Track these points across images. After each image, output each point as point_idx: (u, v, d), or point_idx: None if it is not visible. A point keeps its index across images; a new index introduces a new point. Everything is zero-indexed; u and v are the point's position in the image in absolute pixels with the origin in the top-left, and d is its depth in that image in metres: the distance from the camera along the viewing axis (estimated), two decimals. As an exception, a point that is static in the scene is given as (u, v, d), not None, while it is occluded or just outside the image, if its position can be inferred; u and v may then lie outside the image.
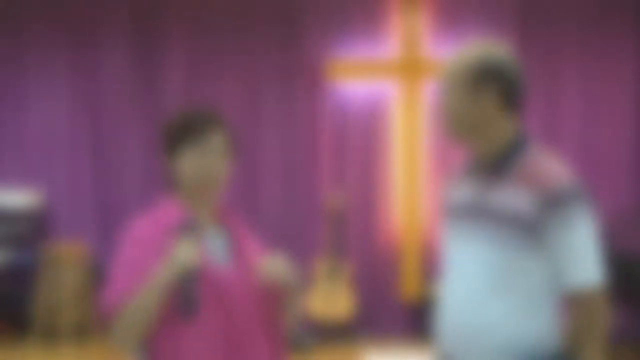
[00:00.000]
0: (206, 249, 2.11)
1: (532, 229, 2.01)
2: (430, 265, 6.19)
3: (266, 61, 6.40)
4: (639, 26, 6.33)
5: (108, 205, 6.42)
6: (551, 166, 2.06)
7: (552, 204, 1.99)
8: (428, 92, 6.23)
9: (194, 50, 6.41)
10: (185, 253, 2.00)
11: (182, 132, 2.13)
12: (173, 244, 2.03)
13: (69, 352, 5.87)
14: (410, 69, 6.28)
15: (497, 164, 2.12)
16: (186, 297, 2.01)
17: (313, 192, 6.40)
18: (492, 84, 2.09)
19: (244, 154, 6.36)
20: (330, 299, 6.05)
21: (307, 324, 6.13)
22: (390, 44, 6.37)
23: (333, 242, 6.19)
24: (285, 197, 6.42)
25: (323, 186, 6.38)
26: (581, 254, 2.01)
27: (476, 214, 2.12)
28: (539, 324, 2.06)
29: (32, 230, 6.21)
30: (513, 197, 2.04)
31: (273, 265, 2.11)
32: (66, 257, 6.10)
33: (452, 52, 2.19)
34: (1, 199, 6.21)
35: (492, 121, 2.11)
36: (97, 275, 6.14)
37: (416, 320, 6.27)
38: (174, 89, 6.40)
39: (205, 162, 2.11)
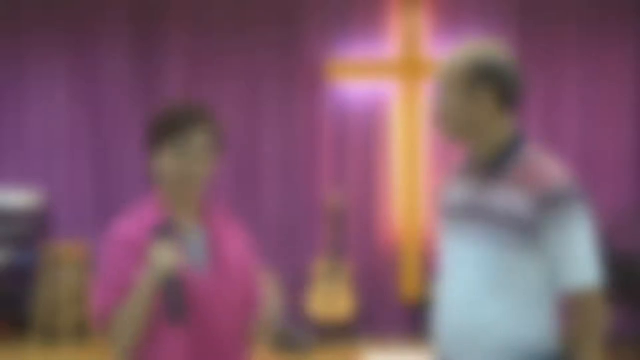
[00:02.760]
0: (183, 253, 2.08)
1: (528, 229, 2.00)
2: (430, 265, 6.19)
3: (266, 61, 6.40)
4: (639, 27, 6.32)
5: (108, 205, 6.42)
6: (548, 166, 2.05)
7: (549, 204, 1.99)
8: (428, 92, 6.23)
9: (194, 50, 6.41)
10: (163, 258, 1.97)
11: (163, 130, 2.10)
12: (151, 249, 2.00)
13: (69, 352, 5.87)
14: (410, 69, 6.28)
15: (493, 163, 2.11)
16: (171, 302, 1.97)
17: (313, 191, 6.40)
18: (488, 84, 2.08)
19: (244, 153, 6.36)
20: (330, 299, 6.05)
21: (307, 324, 6.13)
22: (390, 44, 6.37)
23: (333, 242, 6.19)
24: (285, 196, 6.42)
25: (323, 186, 6.38)
26: (578, 254, 2.00)
27: (473, 214, 2.12)
28: (537, 324, 2.06)
29: (32, 230, 6.21)
30: (509, 197, 2.04)
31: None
32: (66, 257, 6.10)
33: (450, 51, 2.19)
34: (1, 199, 6.22)
35: (488, 121, 2.11)
36: (96, 275, 6.14)
37: (416, 320, 6.27)
38: (174, 88, 6.40)
39: (185, 161, 2.07)
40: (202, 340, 2.05)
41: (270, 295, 2.18)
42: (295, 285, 6.26)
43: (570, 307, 2.01)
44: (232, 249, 2.18)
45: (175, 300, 1.97)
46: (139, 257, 2.03)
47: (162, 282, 1.97)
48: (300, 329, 6.06)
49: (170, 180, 2.10)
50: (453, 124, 2.13)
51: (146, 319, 2.00)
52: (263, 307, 2.19)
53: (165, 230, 2.02)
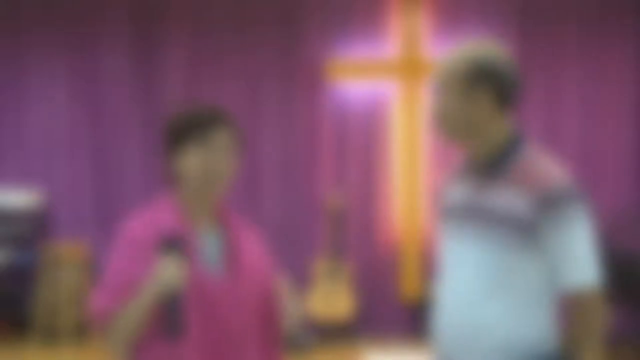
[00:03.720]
0: (198, 256, 2.06)
1: (528, 230, 2.00)
2: (430, 265, 6.19)
3: (266, 61, 6.40)
4: (639, 26, 6.32)
5: (108, 205, 6.42)
6: (547, 166, 2.05)
7: (548, 204, 1.98)
8: (428, 92, 6.23)
9: (194, 50, 6.41)
10: (168, 272, 1.95)
11: (186, 129, 2.09)
12: (157, 261, 1.97)
13: (69, 352, 5.87)
14: (410, 69, 6.28)
15: (492, 164, 2.11)
16: (170, 319, 1.95)
17: (313, 192, 6.40)
18: (487, 84, 2.08)
19: (244, 153, 6.36)
20: (330, 299, 6.05)
21: (307, 324, 6.13)
22: (390, 44, 6.37)
23: (333, 242, 6.19)
24: (285, 197, 6.42)
25: (323, 186, 6.38)
26: (577, 255, 2.00)
27: (472, 215, 2.12)
28: (537, 324, 2.06)
29: (32, 230, 6.21)
30: (509, 198, 2.04)
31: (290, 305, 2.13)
32: (66, 257, 6.10)
33: (448, 51, 2.19)
34: (1, 199, 6.22)
35: (486, 121, 2.10)
36: (97, 275, 6.14)
37: (416, 320, 6.27)
38: (174, 88, 6.40)
39: (210, 159, 2.07)
40: (218, 342, 2.04)
41: (290, 300, 2.16)
42: (295, 285, 6.26)
43: (570, 307, 2.01)
44: (249, 251, 2.18)
45: (174, 317, 1.95)
46: (146, 258, 2.01)
47: (164, 298, 1.95)
48: (300, 329, 6.06)
49: (195, 178, 2.08)
50: (452, 125, 2.13)
51: (141, 328, 1.98)
52: (283, 312, 2.16)
53: (173, 243, 1.99)
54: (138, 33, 6.43)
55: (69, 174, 6.45)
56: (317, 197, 6.39)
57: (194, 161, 2.07)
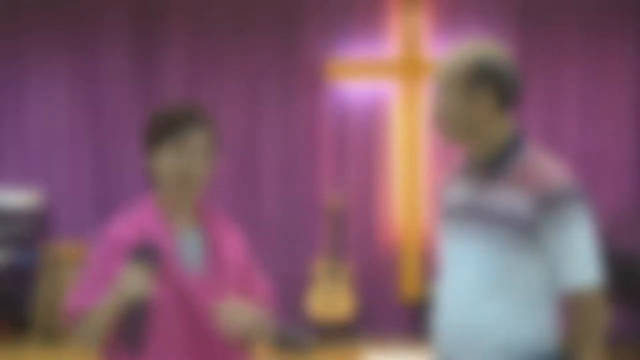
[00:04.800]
0: (177, 256, 2.05)
1: (528, 229, 2.00)
2: (430, 265, 6.19)
3: (266, 61, 6.40)
4: (639, 27, 6.32)
5: (108, 205, 6.42)
6: (547, 166, 2.05)
7: (548, 204, 1.99)
8: (428, 92, 6.23)
9: (194, 50, 6.41)
10: (132, 283, 1.91)
11: (161, 130, 2.09)
12: (125, 269, 1.94)
13: (69, 352, 5.87)
14: (410, 69, 6.28)
15: (492, 164, 2.11)
16: (130, 331, 1.90)
17: (313, 192, 6.40)
18: (487, 84, 2.08)
19: (244, 153, 6.36)
20: (330, 299, 6.05)
21: (307, 324, 6.13)
22: (390, 44, 6.37)
23: (333, 242, 6.19)
24: (285, 197, 6.42)
25: (323, 186, 6.38)
26: (578, 255, 2.00)
27: (472, 215, 2.12)
28: (537, 324, 2.06)
29: (32, 230, 6.21)
30: (509, 198, 2.04)
31: (233, 314, 2.01)
32: (66, 257, 6.10)
33: (448, 51, 2.19)
34: (1, 199, 6.22)
35: (487, 121, 2.10)
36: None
37: (416, 320, 6.27)
38: (174, 88, 6.40)
39: (184, 160, 2.06)
40: (199, 339, 2.04)
41: (233, 308, 2.13)
42: (295, 285, 6.26)
43: (570, 307, 2.01)
44: (229, 249, 2.18)
45: (135, 328, 1.90)
46: (125, 258, 1.99)
47: (127, 307, 1.92)
48: (300, 329, 6.06)
49: (169, 180, 2.09)
50: (452, 125, 2.13)
51: (106, 332, 1.97)
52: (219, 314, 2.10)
53: (146, 252, 1.95)
54: (138, 33, 6.43)
55: (69, 174, 6.46)
56: (317, 197, 6.39)
57: (167, 162, 2.07)
